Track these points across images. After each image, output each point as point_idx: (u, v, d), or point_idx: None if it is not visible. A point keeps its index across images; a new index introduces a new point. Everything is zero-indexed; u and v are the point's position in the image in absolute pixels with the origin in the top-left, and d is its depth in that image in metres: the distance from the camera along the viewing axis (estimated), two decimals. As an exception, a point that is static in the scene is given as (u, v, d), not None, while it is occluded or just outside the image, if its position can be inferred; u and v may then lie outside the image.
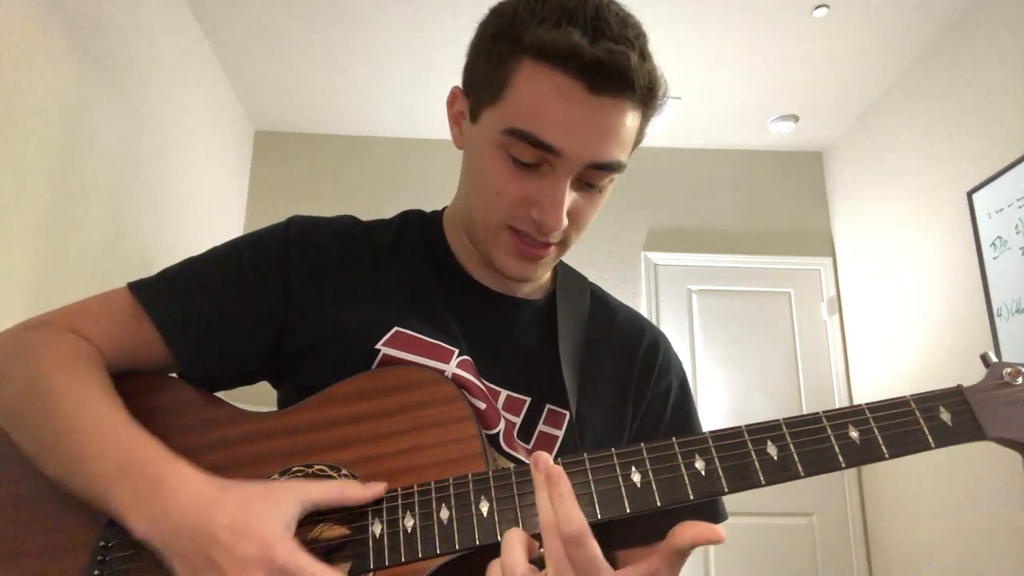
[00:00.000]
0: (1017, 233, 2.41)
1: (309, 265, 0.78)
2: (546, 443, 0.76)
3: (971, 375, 0.61)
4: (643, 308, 3.49)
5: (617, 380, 0.83)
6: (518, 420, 0.76)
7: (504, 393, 0.77)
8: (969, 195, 2.65)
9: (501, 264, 0.76)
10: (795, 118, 3.51)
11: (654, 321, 3.50)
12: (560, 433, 0.76)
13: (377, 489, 0.61)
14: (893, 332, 3.10)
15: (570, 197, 0.71)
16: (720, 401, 3.44)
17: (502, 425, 0.74)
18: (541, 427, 0.76)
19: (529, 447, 0.75)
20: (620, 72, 0.66)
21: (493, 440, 0.72)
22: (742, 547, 3.22)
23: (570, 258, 0.92)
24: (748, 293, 3.62)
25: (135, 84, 2.43)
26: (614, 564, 0.82)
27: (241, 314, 0.75)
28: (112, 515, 0.61)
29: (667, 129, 3.61)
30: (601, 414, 0.80)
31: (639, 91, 0.69)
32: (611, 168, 0.71)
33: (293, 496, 0.59)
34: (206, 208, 3.12)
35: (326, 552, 0.63)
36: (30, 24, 1.83)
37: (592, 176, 0.72)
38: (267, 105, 3.51)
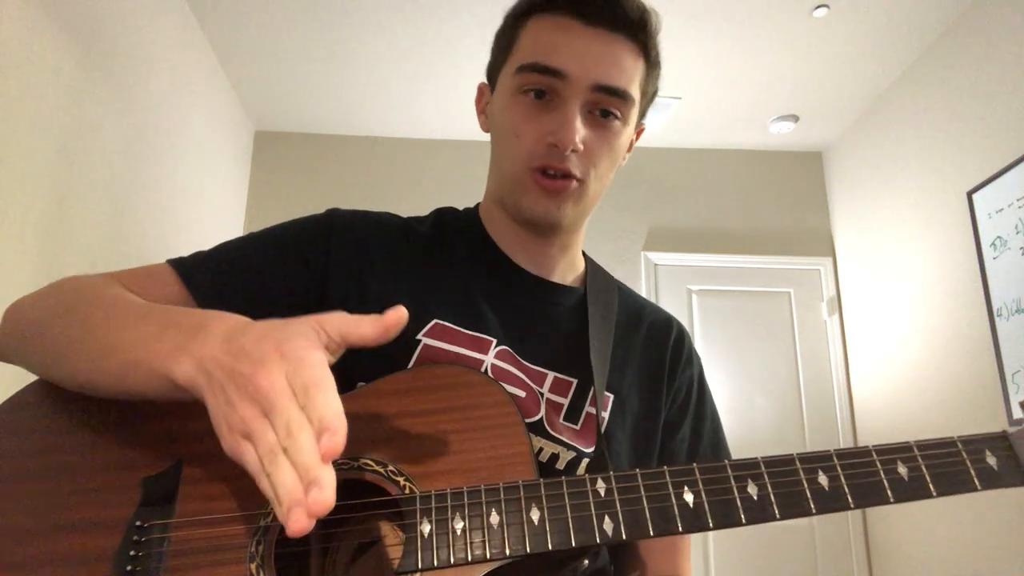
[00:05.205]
0: (1017, 233, 2.41)
1: (350, 252, 0.78)
2: (593, 424, 0.77)
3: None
4: (643, 308, 3.49)
5: (650, 367, 0.85)
6: (566, 401, 0.77)
7: (551, 375, 0.78)
8: (969, 195, 2.65)
9: (529, 207, 0.78)
10: (795, 118, 3.51)
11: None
12: (606, 415, 0.78)
13: (395, 317, 0.55)
14: (893, 332, 3.10)
15: (583, 128, 0.75)
16: (720, 401, 3.38)
17: (542, 411, 0.74)
18: (588, 408, 0.77)
19: (577, 428, 0.76)
20: (609, 3, 0.75)
21: (536, 427, 0.73)
22: (742, 549, 3.22)
23: (570, 258, 0.92)
24: (748, 293, 3.62)
25: (135, 84, 2.43)
26: (636, 558, 0.83)
27: (283, 292, 0.75)
28: (150, 376, 0.57)
29: (667, 129, 3.62)
30: (638, 397, 0.82)
31: (632, 24, 0.75)
32: (616, 93, 0.75)
33: (311, 320, 0.56)
34: (206, 208, 3.12)
35: (372, 546, 0.62)
36: (30, 24, 1.83)
37: (600, 100, 0.76)
38: (267, 105, 3.51)
